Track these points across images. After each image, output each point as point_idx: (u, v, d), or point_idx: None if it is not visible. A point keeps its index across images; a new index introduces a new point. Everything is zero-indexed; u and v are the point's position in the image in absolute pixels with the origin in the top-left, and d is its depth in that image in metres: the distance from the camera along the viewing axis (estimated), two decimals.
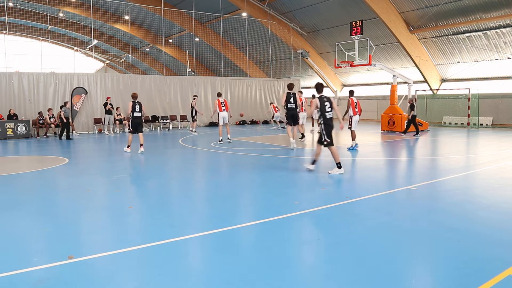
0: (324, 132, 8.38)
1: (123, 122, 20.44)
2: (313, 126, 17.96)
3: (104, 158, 12.04)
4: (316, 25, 27.89)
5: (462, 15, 20.39)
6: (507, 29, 19.37)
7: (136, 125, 12.25)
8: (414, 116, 16.45)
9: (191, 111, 19.78)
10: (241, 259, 4.11)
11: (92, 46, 36.99)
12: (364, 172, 9.06)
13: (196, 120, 20.01)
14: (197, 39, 32.61)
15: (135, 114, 12.11)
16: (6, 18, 29.01)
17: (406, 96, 20.00)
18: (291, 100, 12.81)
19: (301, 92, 16.53)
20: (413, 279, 3.71)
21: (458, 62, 22.79)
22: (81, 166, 10.30)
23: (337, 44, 20.01)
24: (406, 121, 17.01)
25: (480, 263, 3.94)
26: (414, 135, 16.47)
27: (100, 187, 7.78)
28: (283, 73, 32.90)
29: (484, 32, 20.29)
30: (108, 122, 20.14)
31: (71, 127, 18.13)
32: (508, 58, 20.46)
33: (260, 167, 9.63)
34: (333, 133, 8.46)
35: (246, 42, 29.96)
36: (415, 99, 21.48)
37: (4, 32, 30.37)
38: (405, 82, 19.75)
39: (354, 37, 18.11)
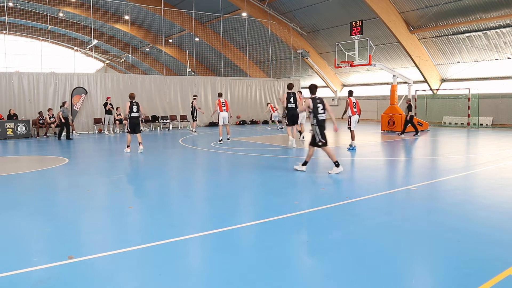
0: (318, 133, 8.38)
1: (123, 122, 20.44)
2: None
3: (104, 158, 12.03)
4: (316, 25, 27.88)
5: (462, 15, 20.39)
6: (507, 29, 19.36)
7: (134, 126, 12.16)
8: (412, 117, 16.47)
9: (192, 111, 19.78)
10: (241, 259, 4.11)
11: (92, 46, 36.97)
12: (364, 172, 9.06)
13: (196, 120, 20.02)
14: (197, 39, 32.60)
15: (133, 114, 12.06)
16: (6, 18, 29.00)
17: (406, 96, 20.01)
18: (291, 100, 12.86)
19: (301, 92, 16.54)
20: (413, 279, 3.71)
21: (458, 62, 22.79)
22: (81, 166, 10.30)
23: (337, 44, 20.03)
24: (404, 122, 17.03)
25: (480, 263, 3.94)
26: (414, 135, 16.48)
27: (100, 187, 7.78)
28: (283, 73, 32.88)
29: (484, 32, 20.29)
30: (108, 122, 20.14)
31: (71, 127, 18.13)
32: (508, 58, 20.46)
33: (260, 167, 9.63)
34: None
35: (246, 42, 29.95)
36: (415, 99, 21.57)
37: (4, 32, 30.35)
38: (405, 82, 19.75)
39: (354, 37, 18.12)
